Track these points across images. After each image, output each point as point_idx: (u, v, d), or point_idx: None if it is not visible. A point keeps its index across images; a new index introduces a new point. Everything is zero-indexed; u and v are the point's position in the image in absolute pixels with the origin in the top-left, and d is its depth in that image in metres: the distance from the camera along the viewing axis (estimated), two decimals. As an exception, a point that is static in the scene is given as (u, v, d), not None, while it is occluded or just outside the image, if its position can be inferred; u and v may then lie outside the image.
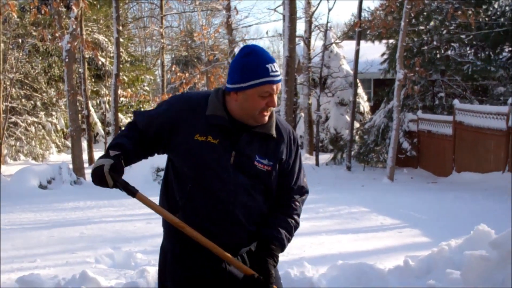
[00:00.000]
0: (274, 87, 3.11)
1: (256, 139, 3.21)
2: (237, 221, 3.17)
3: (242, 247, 3.25)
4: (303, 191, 3.44)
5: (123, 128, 3.43)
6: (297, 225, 3.37)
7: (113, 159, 3.08)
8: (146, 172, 17.60)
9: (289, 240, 3.31)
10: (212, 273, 3.22)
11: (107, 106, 31.71)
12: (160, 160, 17.61)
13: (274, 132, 3.25)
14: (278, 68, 3.13)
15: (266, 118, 3.18)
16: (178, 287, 3.28)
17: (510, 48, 23.17)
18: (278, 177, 3.31)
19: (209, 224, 3.13)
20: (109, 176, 3.04)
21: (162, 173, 17.33)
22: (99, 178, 3.06)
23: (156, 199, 10.28)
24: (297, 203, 3.38)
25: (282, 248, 3.28)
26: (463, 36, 23.25)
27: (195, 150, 3.11)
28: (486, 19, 22.62)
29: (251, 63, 3.11)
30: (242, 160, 3.16)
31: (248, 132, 3.19)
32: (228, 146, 3.14)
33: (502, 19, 22.61)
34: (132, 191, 3.11)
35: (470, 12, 20.05)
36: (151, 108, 3.40)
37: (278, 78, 3.12)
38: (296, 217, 3.36)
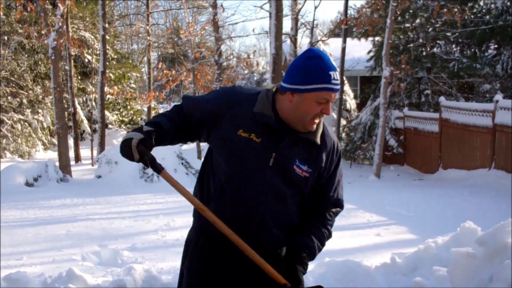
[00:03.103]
0: (333, 95, 3.03)
1: (299, 143, 3.13)
2: (264, 224, 3.11)
3: (264, 251, 3.16)
4: (339, 204, 3.37)
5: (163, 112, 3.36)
6: (329, 235, 3.32)
7: (143, 134, 3.04)
8: (133, 170, 17.55)
9: (319, 250, 3.27)
10: (227, 275, 3.19)
11: (94, 103, 31.63)
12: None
13: (318, 140, 3.17)
14: (338, 77, 3.04)
15: (315, 126, 3.11)
16: (191, 278, 3.26)
17: (495, 46, 23.30)
18: (316, 186, 3.25)
19: (236, 222, 3.07)
20: (136, 151, 2.99)
21: (148, 171, 17.41)
22: (126, 151, 3.03)
23: (144, 196, 10.28)
24: (332, 214, 3.33)
25: (312, 257, 3.24)
26: (448, 34, 23.37)
27: (236, 145, 3.06)
28: (472, 16, 22.71)
29: (314, 66, 3.01)
30: (282, 163, 3.09)
31: (292, 135, 3.11)
32: (269, 146, 3.08)
33: (487, 17, 22.73)
34: (158, 168, 3.05)
35: (455, 9, 20.14)
36: (201, 96, 3.34)
37: (337, 87, 3.02)
38: (329, 227, 3.32)
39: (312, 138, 3.13)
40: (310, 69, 2.99)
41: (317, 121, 3.09)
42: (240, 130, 3.07)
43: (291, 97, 3.04)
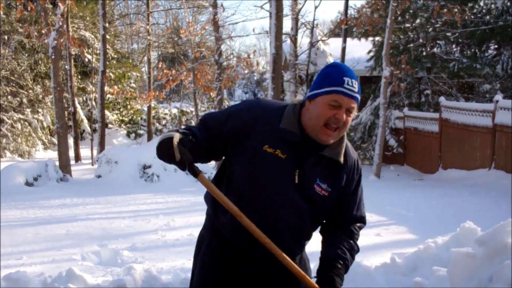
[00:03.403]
0: (345, 99, 3.02)
1: (322, 162, 3.14)
2: (280, 236, 3.11)
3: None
4: (362, 221, 3.39)
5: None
6: (358, 250, 3.35)
7: (181, 134, 3.00)
8: (132, 169, 17.55)
9: (351, 263, 3.29)
10: (240, 274, 3.21)
11: (94, 103, 31.63)
12: (146, 157, 17.57)
13: (342, 159, 3.18)
14: (356, 86, 3.05)
15: (329, 138, 3.09)
16: (203, 277, 3.28)
17: (495, 46, 23.28)
18: (340, 204, 3.27)
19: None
20: (177, 150, 2.90)
21: (148, 170, 17.42)
22: (165, 150, 2.93)
23: (144, 196, 10.29)
24: (357, 228, 3.36)
25: (346, 269, 3.25)
26: (449, 34, 23.34)
27: (261, 160, 3.06)
28: (472, 16, 22.69)
29: (330, 72, 3.09)
30: (303, 181, 3.10)
31: (317, 155, 3.12)
32: (293, 163, 3.08)
33: (487, 17, 22.71)
34: (196, 172, 3.00)
35: (456, 9, 20.12)
36: (222, 111, 3.32)
37: (352, 93, 3.03)
38: (356, 241, 3.34)
39: (335, 157, 3.15)
40: (326, 75, 3.08)
41: (331, 132, 3.07)
42: (266, 146, 3.07)
43: (309, 104, 3.10)
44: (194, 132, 3.13)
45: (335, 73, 3.06)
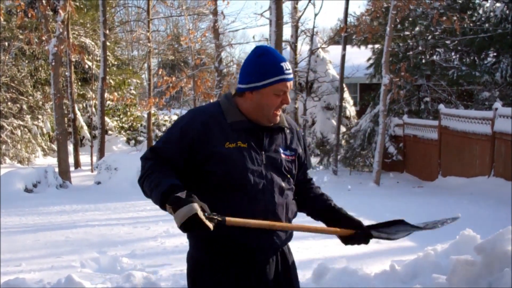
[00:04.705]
0: (288, 84, 3.19)
1: (274, 134, 3.31)
2: (279, 220, 3.19)
3: (280, 248, 3.32)
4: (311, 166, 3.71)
5: (146, 169, 3.28)
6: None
7: (190, 200, 2.80)
8: (132, 176, 17.53)
9: None
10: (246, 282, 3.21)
11: (94, 109, 31.61)
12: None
13: (286, 124, 3.38)
14: (290, 66, 3.21)
15: (278, 118, 3.26)
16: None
17: (494, 54, 23.33)
18: (300, 166, 3.47)
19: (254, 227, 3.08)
20: (207, 220, 2.77)
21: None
22: (198, 226, 2.75)
23: (143, 203, 10.28)
24: (311, 177, 3.69)
25: None
26: (448, 42, 23.41)
27: (230, 156, 3.09)
28: (471, 24, 22.76)
29: (265, 62, 3.17)
30: (272, 157, 3.24)
31: (267, 130, 3.27)
32: (256, 147, 3.20)
33: (486, 25, 22.77)
34: (223, 223, 2.88)
35: (455, 17, 20.15)
36: (165, 136, 3.29)
37: (291, 76, 3.20)
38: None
39: (282, 125, 3.35)
40: (262, 66, 3.17)
41: (279, 113, 3.25)
42: (226, 143, 3.13)
43: (251, 95, 3.20)
44: (177, 183, 3.00)
45: (271, 61, 3.18)
